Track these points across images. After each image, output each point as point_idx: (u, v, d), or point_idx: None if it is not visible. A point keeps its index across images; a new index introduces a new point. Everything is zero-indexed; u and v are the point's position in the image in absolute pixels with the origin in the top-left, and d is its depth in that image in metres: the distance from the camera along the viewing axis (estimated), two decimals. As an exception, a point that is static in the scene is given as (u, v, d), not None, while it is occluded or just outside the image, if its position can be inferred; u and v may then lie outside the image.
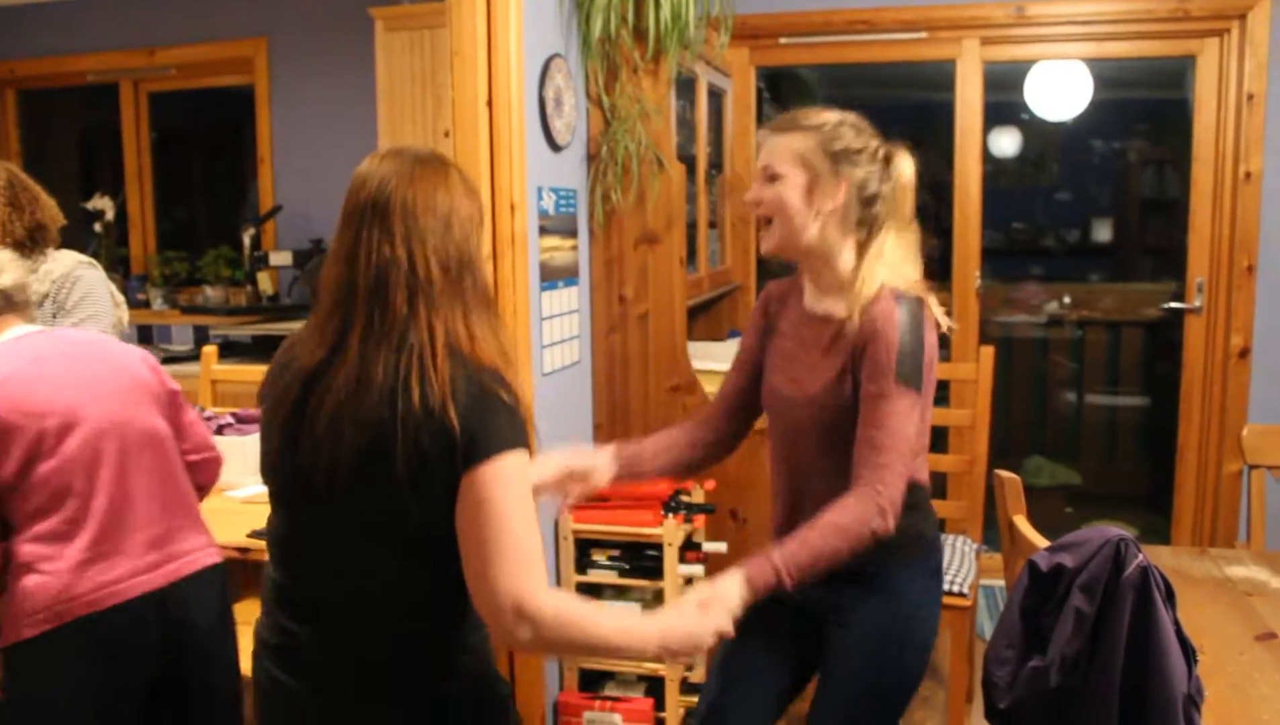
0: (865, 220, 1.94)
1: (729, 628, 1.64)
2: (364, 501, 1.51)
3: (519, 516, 1.47)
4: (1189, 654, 1.38)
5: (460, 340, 1.51)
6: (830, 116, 1.95)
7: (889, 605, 1.97)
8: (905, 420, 1.83)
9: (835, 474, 1.90)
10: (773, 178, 1.93)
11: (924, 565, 2.04)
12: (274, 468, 1.64)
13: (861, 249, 1.94)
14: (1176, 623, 1.38)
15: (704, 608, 1.65)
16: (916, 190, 2.01)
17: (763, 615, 1.88)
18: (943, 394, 4.11)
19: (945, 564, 3.09)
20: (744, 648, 2.06)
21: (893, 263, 1.93)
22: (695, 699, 3.06)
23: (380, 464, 1.46)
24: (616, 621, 1.56)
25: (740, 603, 1.69)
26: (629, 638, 1.56)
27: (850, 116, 1.97)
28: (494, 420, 1.47)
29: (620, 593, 3.02)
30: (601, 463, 2.02)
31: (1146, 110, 6.57)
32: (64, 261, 2.82)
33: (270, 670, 1.63)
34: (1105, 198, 7.07)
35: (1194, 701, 1.35)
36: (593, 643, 1.53)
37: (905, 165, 1.98)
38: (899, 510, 1.81)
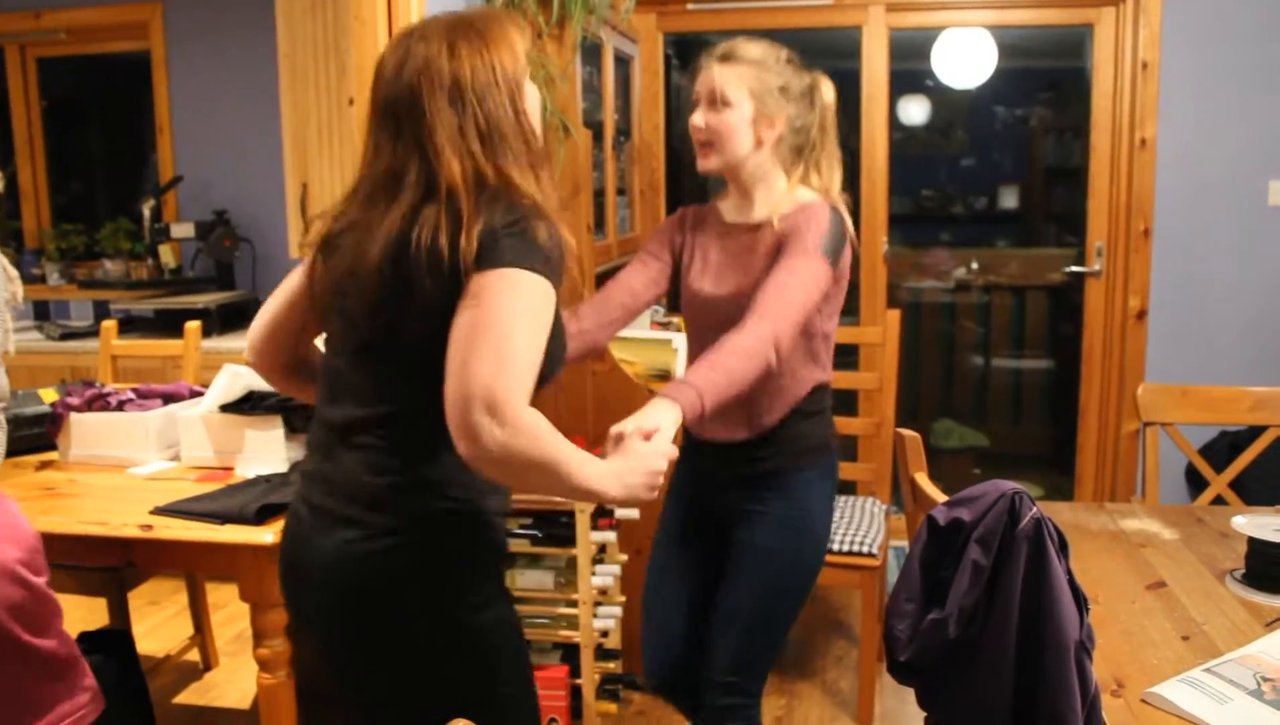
0: (796, 147, 2.13)
1: (674, 452, 1.66)
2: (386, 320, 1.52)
3: (520, 325, 1.43)
4: (1081, 603, 1.41)
5: (512, 178, 1.53)
6: (772, 51, 2.12)
7: (789, 508, 2.17)
8: (814, 282, 1.98)
9: None
10: (722, 104, 2.07)
11: (822, 469, 2.22)
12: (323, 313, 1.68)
13: (791, 173, 2.14)
14: (1069, 573, 1.41)
15: (648, 439, 1.64)
16: (838, 115, 2.21)
17: (679, 523, 2.29)
18: (851, 358, 4.17)
19: (855, 524, 3.14)
20: (666, 554, 2.33)
21: (820, 186, 2.15)
22: (611, 665, 3.08)
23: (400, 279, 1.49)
24: (578, 455, 1.47)
25: (674, 426, 1.72)
26: (590, 474, 1.49)
27: (785, 52, 2.13)
28: (513, 239, 1.46)
29: (533, 561, 3.02)
30: None
31: (1049, 79, 6.70)
32: None
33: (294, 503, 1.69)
34: (1010, 164, 7.20)
35: (1085, 648, 1.39)
36: (558, 466, 1.43)
37: (828, 93, 2.17)
38: (785, 348, 1.93)
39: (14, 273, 2.85)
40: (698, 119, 2.11)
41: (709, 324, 2.13)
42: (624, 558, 3.12)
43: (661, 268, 2.27)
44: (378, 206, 1.55)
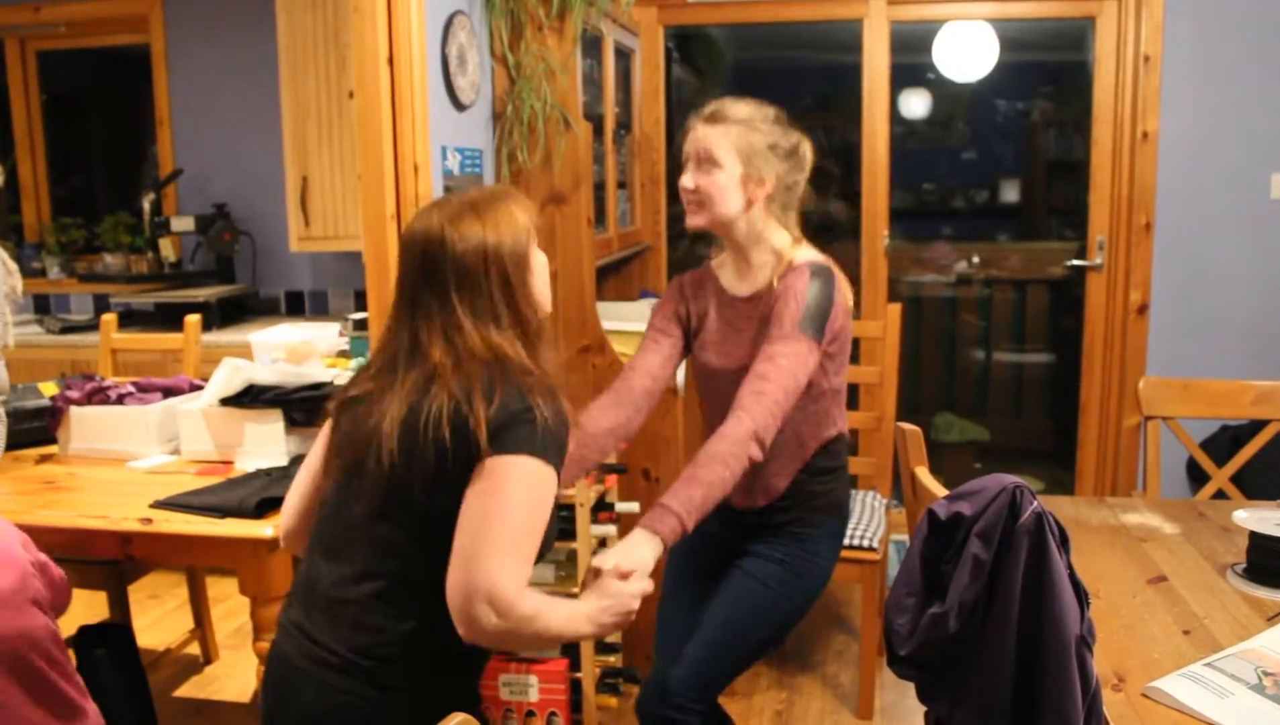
0: (786, 205, 2.15)
1: (649, 588, 1.76)
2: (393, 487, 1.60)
3: (529, 518, 1.55)
4: (1082, 597, 1.40)
5: (505, 352, 1.62)
6: (760, 110, 2.13)
7: (792, 554, 2.20)
8: (797, 363, 2.00)
9: None
10: (712, 165, 2.09)
11: (831, 528, 2.26)
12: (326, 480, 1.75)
13: (780, 231, 2.15)
14: (1070, 567, 1.41)
15: (624, 579, 1.74)
16: (816, 162, 2.24)
17: (689, 561, 2.29)
18: (853, 352, 4.16)
19: (856, 519, 3.14)
20: (677, 594, 2.33)
21: (801, 240, 2.18)
22: (611, 659, 3.08)
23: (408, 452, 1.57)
24: (559, 613, 1.60)
25: (654, 559, 1.80)
26: (570, 626, 1.63)
27: (772, 110, 2.15)
28: (523, 427, 1.56)
29: (534, 555, 3.01)
30: None
31: (1050, 72, 6.68)
32: None
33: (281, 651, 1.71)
34: (1011, 158, 7.19)
35: (1086, 643, 1.38)
36: (543, 637, 1.58)
37: (808, 153, 2.20)
38: (766, 442, 1.96)
39: (13, 266, 2.85)
40: (687, 181, 2.13)
41: (716, 396, 2.19)
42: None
43: (674, 342, 2.29)
44: (389, 379, 1.65)
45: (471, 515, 1.53)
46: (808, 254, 2.16)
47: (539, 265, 1.73)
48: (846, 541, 3.05)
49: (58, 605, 1.81)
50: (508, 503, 1.52)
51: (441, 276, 1.63)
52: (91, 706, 1.80)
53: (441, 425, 1.55)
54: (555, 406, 1.60)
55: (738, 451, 1.92)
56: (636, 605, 1.73)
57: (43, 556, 1.80)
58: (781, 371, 1.98)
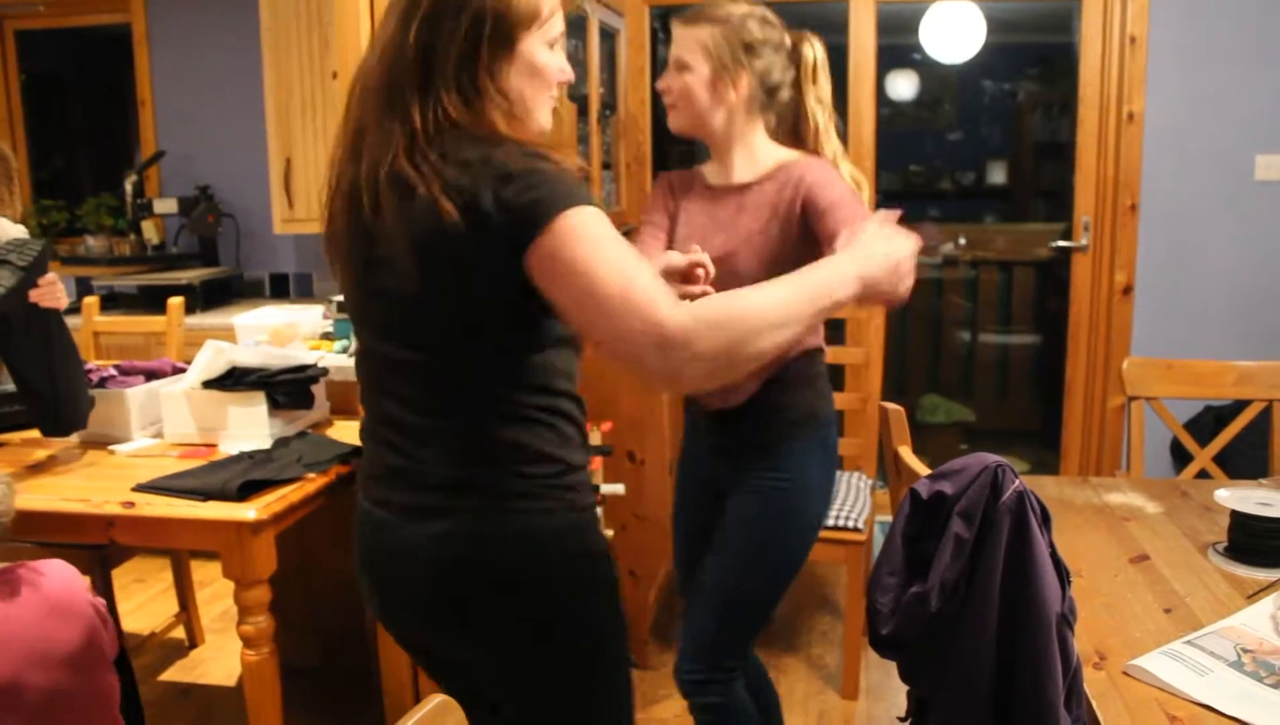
0: (771, 107, 2.10)
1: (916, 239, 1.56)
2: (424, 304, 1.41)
3: (611, 258, 1.31)
4: (1063, 575, 1.41)
5: (472, 118, 1.39)
6: (738, 9, 2.06)
7: (776, 479, 2.12)
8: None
9: None
10: (681, 67, 2.06)
11: (814, 441, 2.16)
12: (352, 299, 1.57)
13: (762, 134, 2.10)
14: (1051, 545, 1.41)
15: (887, 224, 1.56)
16: (830, 73, 2.16)
17: (685, 499, 2.30)
18: (838, 333, 4.16)
19: (841, 500, 3.14)
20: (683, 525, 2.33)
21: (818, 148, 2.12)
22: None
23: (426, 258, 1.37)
24: (783, 286, 1.37)
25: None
26: (815, 290, 1.38)
27: (759, 9, 2.08)
28: (540, 190, 1.32)
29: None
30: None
31: (1037, 54, 6.69)
32: (12, 229, 2.72)
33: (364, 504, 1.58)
34: (998, 140, 7.20)
35: (1067, 621, 1.38)
36: (766, 318, 1.32)
37: (811, 50, 2.12)
38: None
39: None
40: (660, 82, 2.12)
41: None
42: (610, 533, 3.11)
43: (667, 236, 2.22)
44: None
45: (571, 306, 1.33)
46: (792, 154, 2.10)
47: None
48: (831, 522, 3.06)
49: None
50: (590, 263, 1.29)
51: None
52: None
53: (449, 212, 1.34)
54: (545, 155, 1.37)
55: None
56: (909, 251, 1.50)
57: (99, 601, 1.72)
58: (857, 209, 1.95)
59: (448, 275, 1.38)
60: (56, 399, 2.30)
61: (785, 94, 2.11)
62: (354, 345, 1.65)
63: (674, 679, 2.19)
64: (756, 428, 2.13)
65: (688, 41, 2.05)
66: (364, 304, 1.54)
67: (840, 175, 2.05)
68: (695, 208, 2.18)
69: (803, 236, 2.02)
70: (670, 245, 2.18)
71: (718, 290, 1.84)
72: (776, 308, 1.35)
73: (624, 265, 1.31)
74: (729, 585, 2.13)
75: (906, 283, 1.53)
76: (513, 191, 1.32)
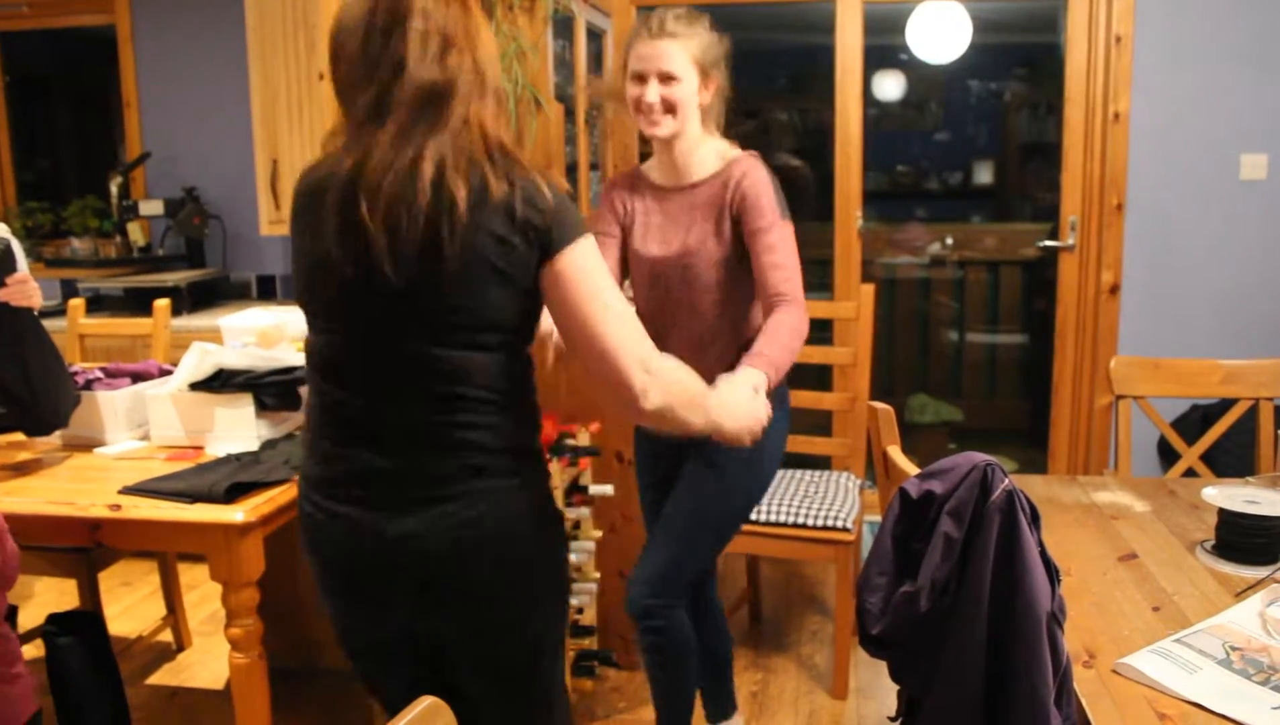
0: (718, 111, 2.34)
1: (769, 408, 1.93)
2: (426, 293, 1.53)
3: (612, 290, 1.58)
4: (1052, 574, 1.41)
5: (502, 139, 1.56)
6: (703, 24, 2.27)
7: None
8: (791, 243, 2.21)
9: (691, 310, 2.32)
10: (667, 79, 2.21)
11: (777, 396, 2.31)
12: (326, 285, 1.60)
13: (714, 133, 2.35)
14: (1041, 544, 1.41)
15: (756, 393, 1.93)
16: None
17: (655, 465, 2.51)
18: (825, 333, 4.17)
19: (830, 500, 3.15)
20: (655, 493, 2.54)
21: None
22: (586, 641, 3.07)
23: (437, 254, 1.50)
24: (694, 381, 1.69)
25: (761, 383, 2.00)
26: (716, 402, 1.75)
27: (707, 17, 2.30)
28: (570, 212, 1.56)
29: (509, 539, 3.00)
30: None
31: (1023, 54, 6.70)
32: None
33: (325, 504, 1.65)
34: (985, 140, 7.22)
35: (1057, 619, 1.39)
36: (694, 397, 1.67)
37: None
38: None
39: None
40: (650, 95, 2.22)
41: (660, 284, 2.35)
42: (598, 534, 3.11)
43: (619, 243, 2.42)
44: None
45: (577, 321, 1.56)
46: (734, 151, 2.34)
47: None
48: (820, 522, 3.06)
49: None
50: (600, 290, 1.57)
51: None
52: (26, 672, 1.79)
53: (481, 228, 1.52)
54: (557, 181, 1.60)
55: (804, 330, 2.14)
56: (764, 419, 1.87)
57: None
58: (787, 254, 2.18)
59: (492, 275, 1.53)
60: (34, 398, 2.28)
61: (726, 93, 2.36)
62: (316, 344, 1.66)
63: (624, 607, 2.40)
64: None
65: (674, 54, 2.21)
66: (362, 300, 1.56)
67: (768, 177, 2.25)
68: (649, 208, 2.37)
69: (738, 235, 2.26)
70: (625, 248, 2.41)
71: (681, 285, 2.30)
72: (703, 396, 1.71)
73: (622, 299, 1.58)
74: (684, 519, 2.35)
75: (748, 437, 1.86)
76: (548, 211, 1.53)
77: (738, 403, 1.85)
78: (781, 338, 2.10)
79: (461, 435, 1.59)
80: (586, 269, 1.55)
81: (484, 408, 1.59)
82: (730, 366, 2.18)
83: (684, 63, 2.21)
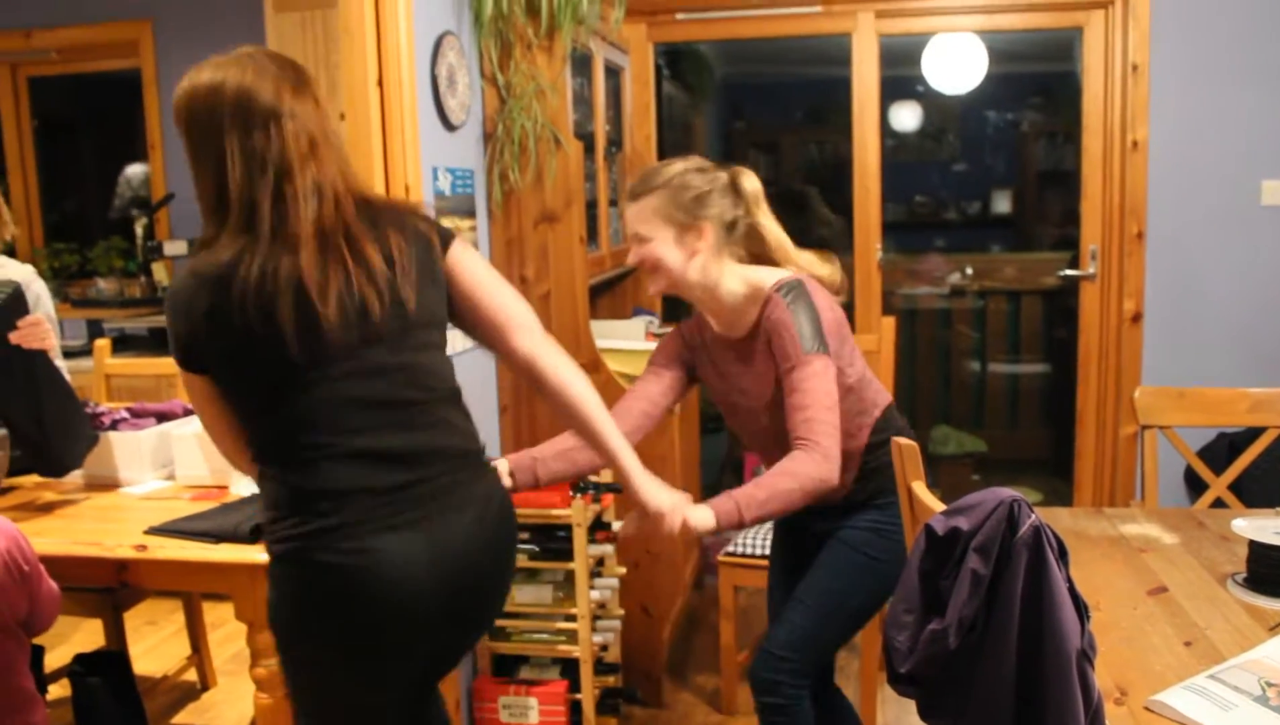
0: (732, 244, 2.19)
1: (675, 536, 1.95)
2: (415, 313, 1.72)
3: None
4: (1082, 610, 1.39)
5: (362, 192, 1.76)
6: (674, 168, 2.16)
7: (880, 518, 2.27)
8: (820, 380, 2.07)
9: (776, 436, 2.18)
10: (641, 240, 2.16)
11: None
12: (292, 351, 1.64)
13: (736, 270, 2.19)
14: (1069, 580, 1.40)
15: (674, 511, 1.91)
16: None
17: (785, 548, 2.44)
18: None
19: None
20: (781, 579, 2.44)
21: (767, 265, 2.22)
22: (611, 679, 3.06)
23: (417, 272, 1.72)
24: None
25: (701, 529, 1.95)
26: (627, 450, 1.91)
27: (692, 162, 2.18)
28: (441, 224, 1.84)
29: (531, 575, 3.00)
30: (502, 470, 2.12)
31: (1039, 83, 6.71)
32: (18, 270, 2.77)
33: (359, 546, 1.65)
34: (1003, 169, 7.22)
35: (1087, 656, 1.37)
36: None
37: (748, 182, 2.22)
38: (838, 456, 2.04)
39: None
40: (631, 257, 2.20)
41: (746, 428, 2.32)
42: (622, 570, 3.10)
43: (674, 377, 2.35)
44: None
45: (488, 302, 1.82)
46: (773, 275, 2.19)
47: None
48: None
49: (34, 623, 1.79)
50: (493, 272, 1.87)
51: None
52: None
53: (417, 242, 1.75)
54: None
55: (809, 475, 2.00)
56: (662, 529, 1.91)
57: (30, 568, 1.77)
58: (813, 393, 2.04)
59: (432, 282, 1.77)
60: (45, 439, 2.31)
61: (741, 226, 2.21)
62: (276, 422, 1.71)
63: (748, 677, 2.30)
64: (858, 492, 2.28)
65: (642, 214, 2.14)
66: (340, 342, 1.66)
67: (788, 315, 2.11)
68: (716, 356, 2.30)
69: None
70: (683, 389, 2.37)
71: (750, 429, 2.30)
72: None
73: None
74: (822, 594, 2.25)
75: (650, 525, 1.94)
76: (433, 219, 1.84)
77: (659, 485, 1.93)
78: (776, 483, 2.01)
79: (454, 439, 1.78)
80: (473, 254, 1.84)
81: (458, 404, 1.82)
82: (859, 471, 2.25)
83: (650, 222, 2.14)
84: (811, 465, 2.00)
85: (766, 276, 2.18)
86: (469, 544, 1.73)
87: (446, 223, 2.96)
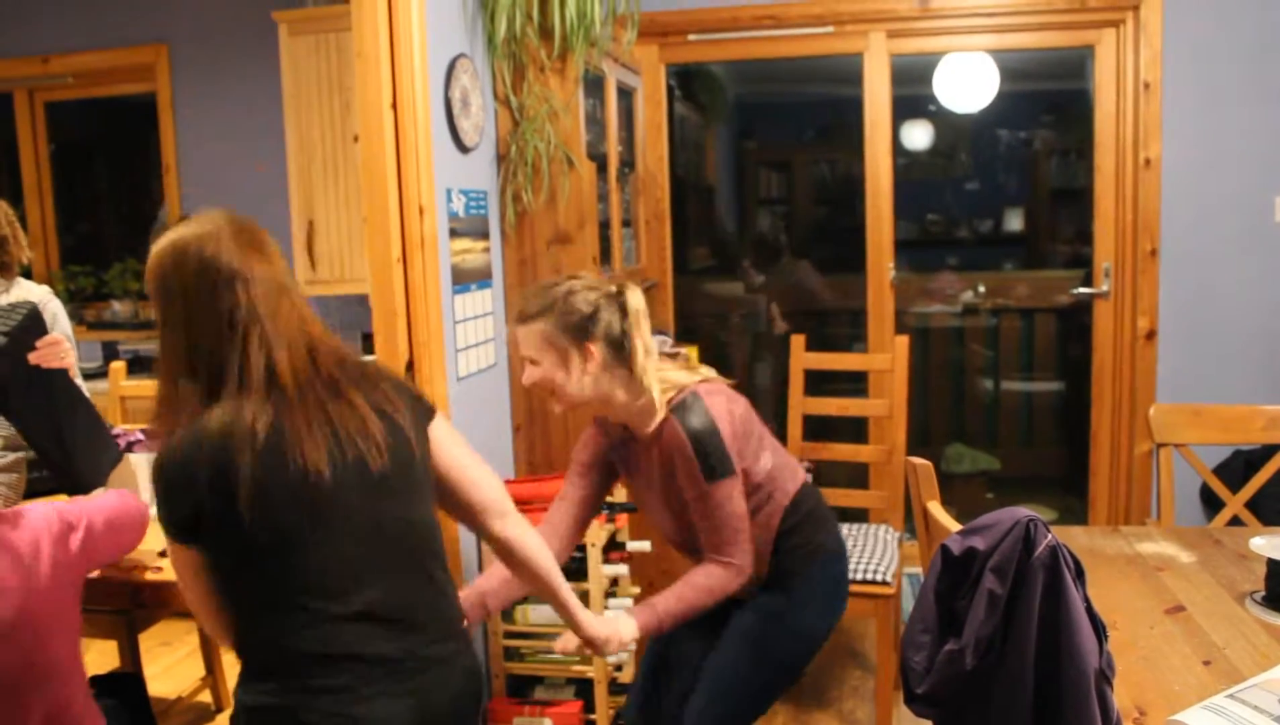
0: (622, 358, 2.18)
1: (622, 648, 2.15)
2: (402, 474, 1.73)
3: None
4: (1100, 630, 1.39)
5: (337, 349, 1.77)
6: (560, 288, 2.17)
7: (783, 592, 2.31)
8: (729, 503, 2.16)
9: (692, 529, 2.27)
10: (532, 363, 2.19)
11: (823, 568, 2.34)
12: (291, 512, 1.61)
13: (629, 381, 2.19)
14: (1087, 600, 1.39)
15: (610, 639, 2.12)
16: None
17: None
18: (860, 385, 4.16)
19: (869, 553, 3.12)
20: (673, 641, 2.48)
21: (659, 379, 2.21)
22: (624, 699, 3.05)
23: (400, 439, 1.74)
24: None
25: (631, 640, 2.15)
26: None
27: (577, 281, 2.20)
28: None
29: (546, 596, 2.99)
30: None
31: (1051, 101, 6.71)
32: (35, 290, 2.80)
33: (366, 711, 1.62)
34: (1015, 187, 7.21)
35: (1106, 676, 1.37)
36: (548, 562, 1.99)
37: (634, 298, 2.20)
38: (749, 564, 2.20)
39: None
40: (524, 379, 2.22)
41: (662, 528, 2.38)
42: (636, 591, 3.09)
43: (598, 477, 2.39)
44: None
45: (463, 470, 1.87)
46: (667, 385, 2.21)
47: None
48: (859, 576, 3.03)
49: (100, 559, 1.90)
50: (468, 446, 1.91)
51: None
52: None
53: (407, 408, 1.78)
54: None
55: (721, 587, 2.18)
56: (607, 655, 2.21)
57: (70, 527, 1.81)
58: (721, 516, 2.16)
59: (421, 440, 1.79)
60: (67, 458, 2.31)
61: (630, 339, 2.18)
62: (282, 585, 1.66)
63: None
64: (769, 575, 2.33)
65: (529, 339, 2.16)
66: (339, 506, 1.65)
67: (685, 441, 2.14)
68: (630, 450, 2.32)
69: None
70: (608, 484, 2.42)
71: (659, 525, 2.38)
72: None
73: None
74: (725, 677, 2.29)
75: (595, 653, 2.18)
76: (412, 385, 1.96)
77: (595, 618, 2.12)
78: (685, 593, 2.17)
79: (448, 605, 1.80)
80: (452, 431, 1.88)
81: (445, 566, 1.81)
82: (770, 561, 2.31)
83: (539, 347, 2.16)
84: (725, 580, 2.17)
85: (658, 392, 2.19)
86: (455, 719, 1.75)
87: (462, 244, 2.98)
